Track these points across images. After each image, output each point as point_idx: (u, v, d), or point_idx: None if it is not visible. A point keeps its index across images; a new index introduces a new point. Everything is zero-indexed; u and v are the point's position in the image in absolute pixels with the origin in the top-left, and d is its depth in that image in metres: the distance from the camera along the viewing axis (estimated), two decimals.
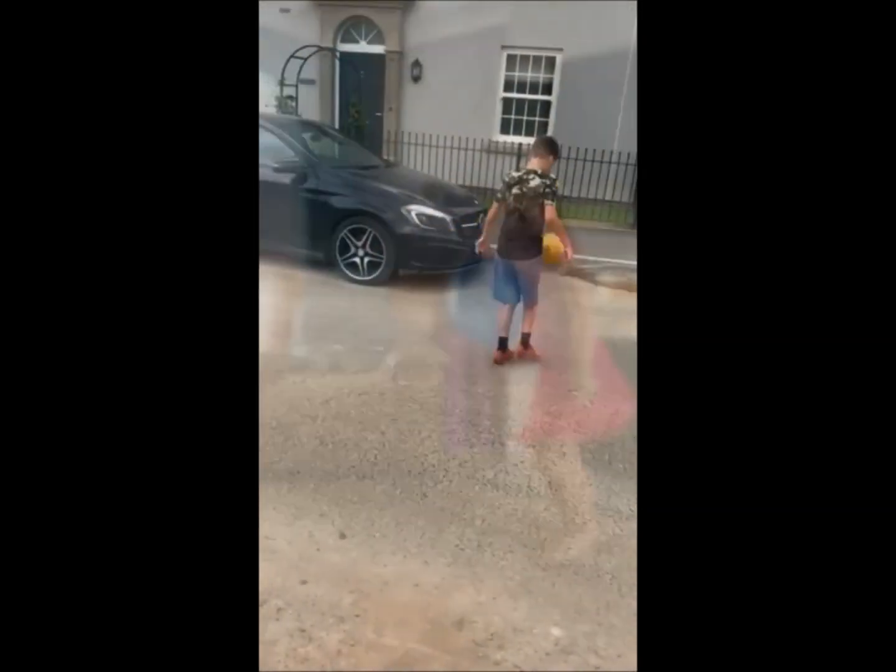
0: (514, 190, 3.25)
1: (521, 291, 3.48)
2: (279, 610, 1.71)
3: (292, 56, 8.29)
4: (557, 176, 3.42)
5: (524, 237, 3.30)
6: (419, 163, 8.82)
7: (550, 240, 3.40)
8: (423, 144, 8.64)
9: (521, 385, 3.33)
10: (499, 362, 3.53)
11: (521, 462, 2.57)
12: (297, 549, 1.95)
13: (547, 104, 9.31)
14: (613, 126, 8.77)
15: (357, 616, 1.71)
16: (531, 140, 9.01)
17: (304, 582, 1.82)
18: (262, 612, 1.69)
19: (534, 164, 3.26)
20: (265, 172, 4.72)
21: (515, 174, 3.29)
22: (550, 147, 3.31)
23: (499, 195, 3.38)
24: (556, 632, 1.71)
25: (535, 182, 3.20)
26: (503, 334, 3.56)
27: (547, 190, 3.20)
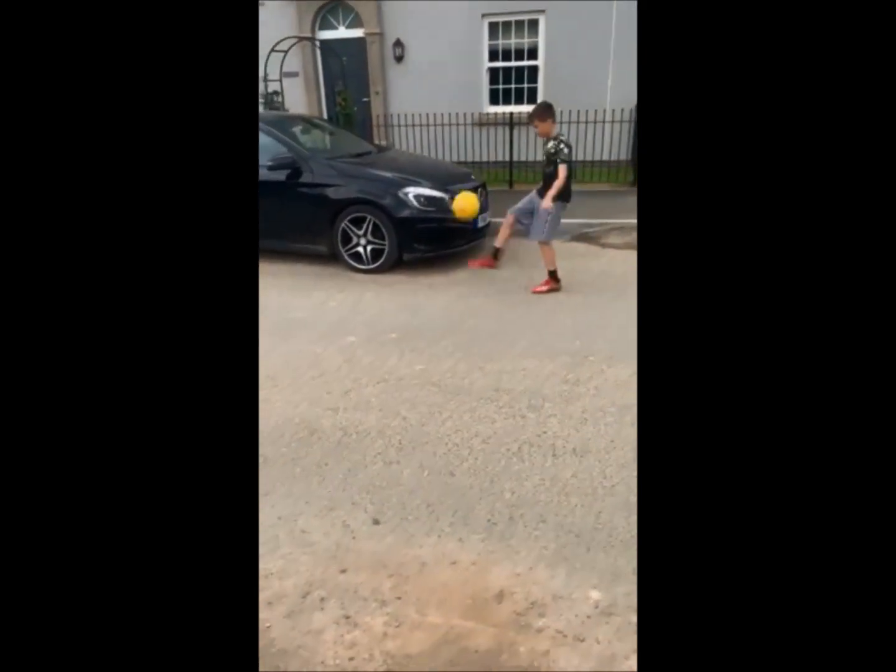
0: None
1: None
2: (322, 600, 1.75)
3: (273, 50, 8.19)
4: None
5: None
6: (411, 144, 8.74)
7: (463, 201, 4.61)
8: (413, 125, 8.55)
9: (538, 359, 3.33)
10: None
11: (544, 432, 2.58)
12: (333, 540, 1.99)
13: (534, 69, 9.15)
14: (604, 84, 8.61)
15: (398, 598, 1.75)
16: (522, 108, 8.92)
17: (343, 571, 1.86)
18: (306, 603, 1.73)
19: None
20: (259, 172, 4.72)
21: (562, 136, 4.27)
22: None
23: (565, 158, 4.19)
24: (595, 595, 1.73)
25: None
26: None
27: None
